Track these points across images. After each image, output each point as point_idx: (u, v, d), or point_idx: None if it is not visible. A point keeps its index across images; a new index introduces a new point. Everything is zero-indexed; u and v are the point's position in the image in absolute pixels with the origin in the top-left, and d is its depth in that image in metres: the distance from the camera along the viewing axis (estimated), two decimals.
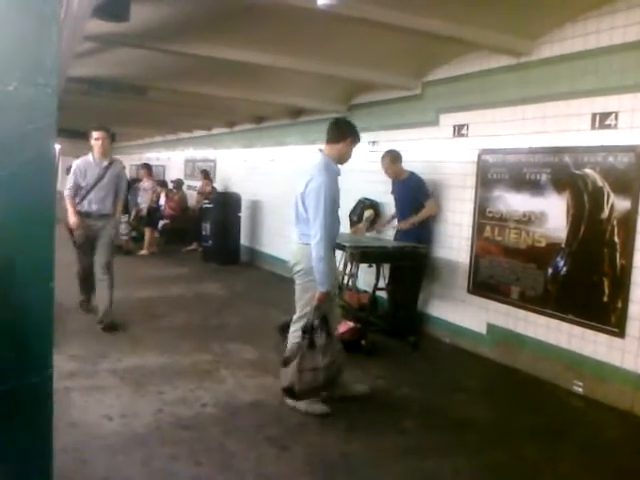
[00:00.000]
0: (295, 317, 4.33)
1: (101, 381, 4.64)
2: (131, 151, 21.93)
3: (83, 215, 6.07)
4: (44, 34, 1.54)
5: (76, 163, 6.18)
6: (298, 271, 4.24)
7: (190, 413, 4.14)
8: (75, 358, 5.04)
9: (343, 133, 4.25)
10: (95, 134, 6.07)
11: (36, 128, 1.51)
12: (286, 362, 4.11)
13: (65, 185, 6.14)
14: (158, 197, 13.06)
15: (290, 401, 4.23)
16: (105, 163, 6.17)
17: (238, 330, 6.35)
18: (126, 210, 11.74)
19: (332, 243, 4.16)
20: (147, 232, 11.77)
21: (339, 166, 4.30)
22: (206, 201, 11.60)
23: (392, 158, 6.24)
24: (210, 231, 11.14)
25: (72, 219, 6.05)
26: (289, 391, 4.09)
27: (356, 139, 4.30)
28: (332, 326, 4.21)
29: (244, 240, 11.27)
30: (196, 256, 11.53)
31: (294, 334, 4.29)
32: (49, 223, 1.60)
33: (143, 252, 11.50)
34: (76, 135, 17.32)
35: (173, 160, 17.24)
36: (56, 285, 1.60)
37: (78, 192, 6.09)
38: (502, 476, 3.56)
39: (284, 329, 5.94)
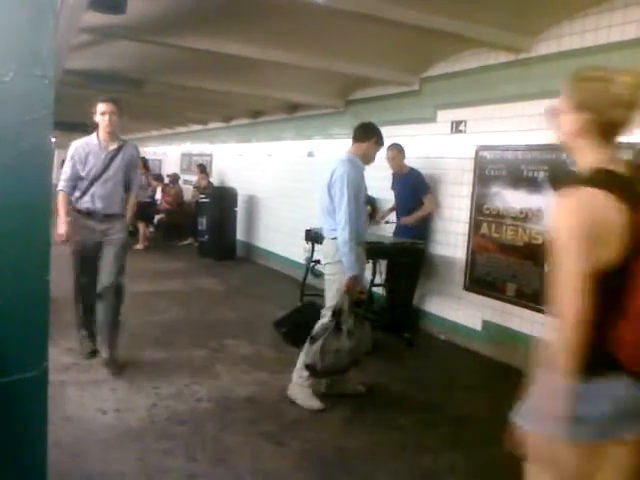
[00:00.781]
0: (324, 310, 4.33)
1: (96, 375, 4.63)
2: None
3: (83, 215, 4.75)
4: (41, 25, 1.52)
5: (75, 146, 4.76)
6: (327, 264, 4.33)
7: (185, 408, 4.13)
8: (70, 352, 5.02)
9: (368, 133, 4.41)
10: (101, 107, 4.73)
11: (33, 119, 1.49)
12: (312, 340, 4.17)
13: (60, 177, 4.80)
14: (154, 191, 13.03)
15: (291, 393, 4.30)
16: (113, 147, 4.79)
17: (234, 325, 6.34)
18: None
19: (359, 237, 4.21)
20: (141, 227, 11.73)
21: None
22: (202, 196, 11.57)
23: (400, 150, 6.22)
24: (206, 226, 11.11)
25: (61, 227, 4.63)
26: (311, 368, 4.16)
27: (380, 141, 4.46)
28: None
29: (240, 235, 11.24)
30: (192, 251, 11.51)
31: (322, 320, 4.31)
32: (45, 215, 1.58)
33: (138, 246, 11.47)
34: (72, 128, 17.30)
35: (169, 154, 17.19)
36: (51, 278, 1.59)
37: (78, 185, 4.74)
38: (499, 473, 3.55)
39: (280, 324, 5.95)
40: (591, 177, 1.76)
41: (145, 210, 11.98)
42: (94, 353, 4.91)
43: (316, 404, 4.19)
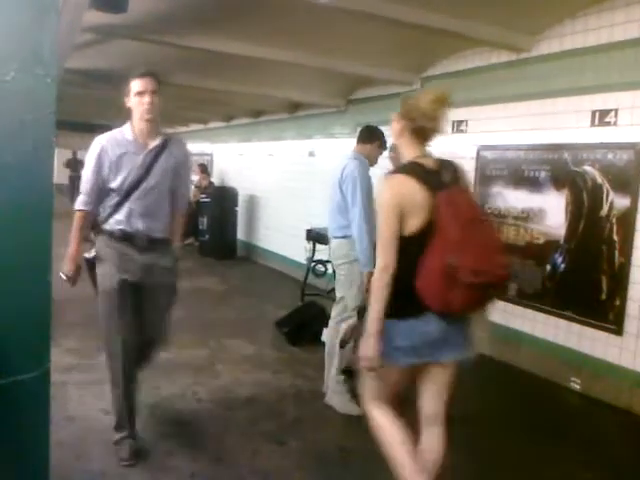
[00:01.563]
0: (350, 309, 4.28)
1: (98, 375, 4.60)
2: None
3: (116, 240, 3.30)
4: (43, 24, 1.51)
5: (100, 144, 3.31)
6: (341, 264, 4.30)
7: (186, 408, 4.13)
8: (72, 352, 5.02)
9: (373, 136, 4.46)
10: (138, 84, 3.34)
11: (35, 118, 1.49)
12: (342, 344, 4.17)
13: (81, 186, 3.35)
14: None
15: (329, 400, 4.29)
16: (155, 143, 3.38)
17: (234, 325, 6.33)
18: None
19: (370, 235, 4.17)
20: None
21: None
22: (203, 195, 11.56)
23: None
24: (207, 225, 11.12)
25: (69, 263, 3.31)
26: (346, 371, 4.15)
27: (383, 145, 4.50)
28: None
29: (241, 234, 11.24)
30: (193, 250, 11.50)
31: (348, 322, 4.29)
32: (47, 215, 1.58)
33: None
34: (72, 127, 17.27)
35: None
36: (53, 278, 1.59)
37: (104, 201, 3.32)
38: (500, 473, 3.55)
39: (281, 324, 5.95)
40: (404, 167, 2.52)
41: None
42: (139, 452, 3.37)
43: (356, 409, 4.17)
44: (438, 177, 2.47)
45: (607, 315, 4.59)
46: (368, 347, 2.40)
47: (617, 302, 4.52)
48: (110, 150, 3.29)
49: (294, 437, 3.77)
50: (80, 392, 4.26)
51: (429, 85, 6.62)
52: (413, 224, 2.37)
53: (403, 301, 2.37)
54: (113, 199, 3.31)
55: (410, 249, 2.35)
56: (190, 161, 3.78)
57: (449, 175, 2.52)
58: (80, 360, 4.89)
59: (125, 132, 3.40)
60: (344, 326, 4.23)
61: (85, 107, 12.31)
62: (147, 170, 3.30)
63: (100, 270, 3.39)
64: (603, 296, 4.62)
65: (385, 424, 2.76)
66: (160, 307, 3.46)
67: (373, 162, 4.45)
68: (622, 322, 4.50)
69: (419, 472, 2.69)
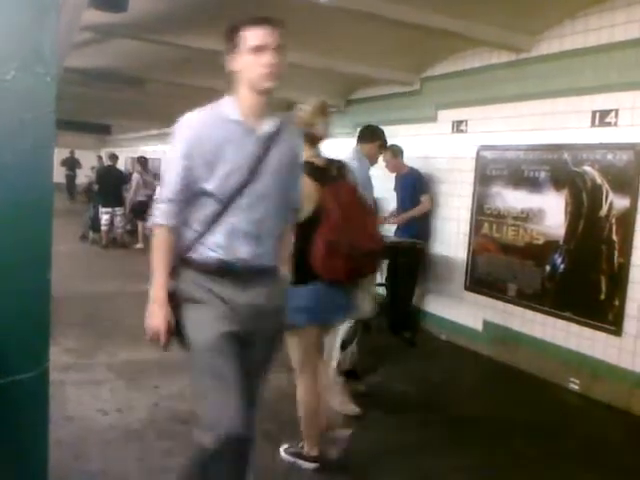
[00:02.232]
0: None
1: (97, 375, 4.62)
2: (127, 144, 21.86)
3: (210, 274, 2.22)
4: (43, 23, 1.51)
5: (190, 124, 2.29)
6: None
7: (186, 407, 4.11)
8: (70, 351, 5.01)
9: (374, 136, 4.51)
10: (255, 35, 2.26)
11: (35, 117, 1.49)
12: (344, 346, 4.17)
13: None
14: (154, 190, 13.00)
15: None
16: (269, 127, 2.27)
17: None
18: (122, 202, 11.70)
19: None
20: (140, 225, 11.73)
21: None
22: None
23: (393, 152, 6.18)
24: None
25: (157, 312, 2.24)
26: (351, 373, 4.20)
27: (384, 144, 4.56)
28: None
29: None
30: None
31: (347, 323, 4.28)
32: (47, 214, 1.57)
33: (139, 245, 11.45)
34: (70, 126, 17.27)
35: (169, 153, 17.18)
36: (52, 277, 1.58)
37: (191, 213, 2.24)
38: (499, 473, 3.55)
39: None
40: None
41: (144, 208, 11.99)
42: None
43: (353, 409, 4.16)
44: (326, 173, 3.09)
45: (606, 315, 4.59)
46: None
47: (616, 302, 4.52)
48: (207, 133, 2.23)
49: (292, 437, 3.76)
50: (79, 391, 4.24)
51: (429, 85, 6.63)
52: (306, 210, 2.87)
53: (301, 272, 2.87)
54: (206, 209, 2.21)
55: (304, 231, 2.85)
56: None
57: (335, 171, 3.15)
58: (78, 359, 4.88)
59: (227, 108, 2.28)
60: (345, 327, 4.22)
61: (82, 106, 12.30)
62: (259, 161, 2.22)
63: (191, 316, 2.27)
64: (602, 296, 4.62)
65: (306, 392, 3.28)
66: (264, 367, 2.59)
67: (373, 161, 4.47)
68: (621, 322, 4.50)
69: (318, 436, 3.36)
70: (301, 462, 3.39)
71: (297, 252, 2.77)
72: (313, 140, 3.05)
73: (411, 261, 6.00)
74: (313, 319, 3.09)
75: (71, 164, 23.20)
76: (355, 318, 3.47)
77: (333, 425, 3.41)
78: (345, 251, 2.95)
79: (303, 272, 2.92)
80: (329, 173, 3.11)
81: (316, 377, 3.27)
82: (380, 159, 5.61)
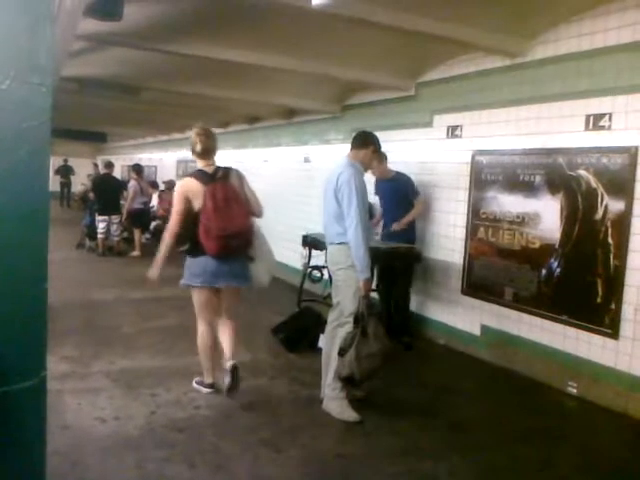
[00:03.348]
0: (345, 315, 4.26)
1: (94, 383, 4.61)
2: (123, 151, 21.88)
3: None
4: (38, 32, 1.51)
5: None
6: (338, 270, 4.31)
7: (184, 415, 4.12)
8: (67, 360, 5.01)
9: (366, 141, 4.44)
10: None
11: (30, 127, 1.49)
12: (342, 353, 4.16)
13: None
14: (150, 198, 13.02)
15: (326, 407, 4.28)
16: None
17: None
18: (119, 210, 11.71)
19: (366, 243, 4.18)
20: (136, 233, 11.73)
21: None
22: None
23: (379, 158, 6.16)
24: None
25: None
26: (349, 379, 4.16)
27: (378, 149, 4.51)
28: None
29: None
30: None
31: (345, 329, 4.26)
32: (43, 223, 1.57)
33: (135, 253, 11.44)
34: (64, 134, 17.29)
35: (165, 161, 17.19)
36: (49, 286, 1.58)
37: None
38: (497, 477, 3.55)
39: (278, 331, 5.94)
40: (192, 173, 4.34)
41: (141, 217, 11.99)
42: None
43: (353, 415, 4.16)
44: (211, 177, 4.26)
45: (603, 319, 4.60)
46: (154, 267, 4.31)
47: (612, 306, 4.53)
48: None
49: (292, 444, 3.76)
50: (76, 400, 4.24)
51: (424, 90, 6.65)
52: (197, 204, 4.16)
53: (193, 247, 4.22)
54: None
55: (195, 218, 4.14)
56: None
57: (220, 175, 4.30)
58: (76, 368, 4.87)
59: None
60: (342, 334, 4.22)
61: (78, 114, 12.31)
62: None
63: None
64: (598, 300, 4.63)
65: (201, 333, 4.51)
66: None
67: (368, 167, 4.46)
68: (618, 326, 4.51)
69: (213, 369, 4.53)
70: (202, 388, 4.54)
71: (191, 234, 4.16)
72: (199, 154, 4.38)
73: (408, 266, 6.01)
74: (202, 282, 4.28)
75: (65, 172, 23.25)
76: (241, 285, 4.43)
77: (224, 361, 4.40)
78: (215, 234, 4.06)
79: (195, 248, 4.20)
80: (214, 177, 4.27)
81: (210, 324, 4.48)
82: None
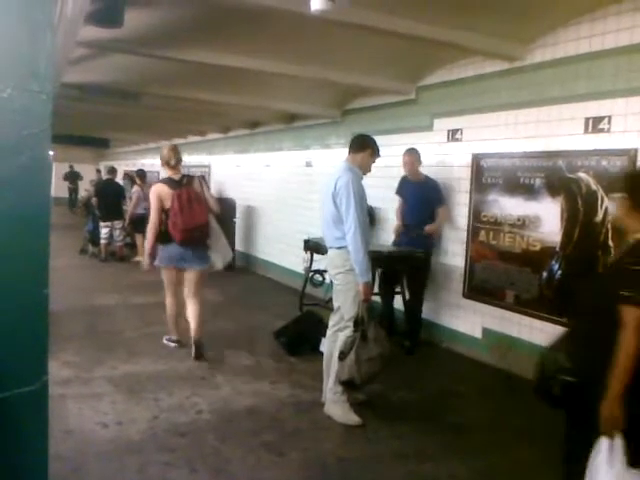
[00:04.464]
0: (346, 319, 4.27)
1: (96, 388, 4.62)
2: (125, 157, 21.92)
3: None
4: (38, 40, 1.53)
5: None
6: (337, 274, 4.32)
7: (186, 420, 4.13)
8: (70, 365, 5.02)
9: (364, 144, 4.45)
10: None
11: (31, 134, 1.50)
12: (342, 356, 4.17)
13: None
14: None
15: (327, 411, 4.29)
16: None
17: (233, 336, 6.33)
18: (121, 216, 11.74)
19: (366, 246, 4.18)
20: (139, 239, 11.74)
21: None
22: None
23: (417, 156, 6.10)
24: None
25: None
26: (349, 383, 4.18)
27: (376, 152, 4.49)
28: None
29: (239, 245, 11.25)
30: None
31: (345, 333, 4.26)
32: (44, 229, 1.59)
33: (138, 258, 11.45)
34: (70, 140, 17.33)
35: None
36: (50, 291, 1.60)
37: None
38: (499, 479, 3.56)
39: (280, 334, 5.95)
40: (163, 180, 5.55)
41: (143, 222, 12.00)
42: None
43: (354, 419, 4.17)
44: (178, 183, 5.40)
45: None
46: (145, 256, 5.60)
47: None
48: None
49: (294, 448, 3.77)
50: (79, 405, 4.26)
51: (424, 94, 6.67)
52: (167, 204, 5.29)
53: (164, 237, 5.35)
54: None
55: (167, 216, 5.27)
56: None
57: (185, 182, 5.43)
58: (78, 373, 4.89)
59: None
60: (342, 338, 4.23)
61: (80, 120, 12.36)
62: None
63: None
64: None
65: (168, 303, 5.70)
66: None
67: (366, 171, 4.44)
68: None
69: (178, 329, 5.77)
70: (170, 343, 5.79)
71: (164, 227, 5.33)
72: (169, 166, 5.52)
73: (423, 271, 5.98)
74: (169, 263, 5.47)
75: (72, 177, 23.63)
76: (202, 268, 5.53)
77: (191, 335, 5.51)
78: (180, 227, 5.20)
79: (165, 238, 5.35)
80: (180, 183, 5.41)
81: (175, 296, 5.65)
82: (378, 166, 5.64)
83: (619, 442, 2.28)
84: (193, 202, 5.26)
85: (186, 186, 5.36)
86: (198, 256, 5.44)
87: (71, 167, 23.78)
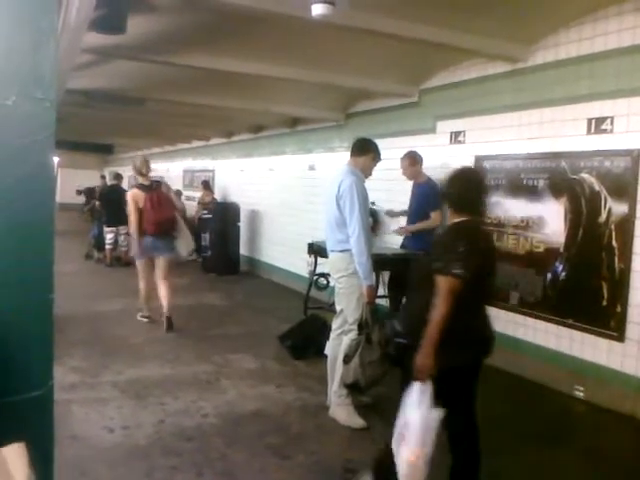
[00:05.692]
0: (350, 323, 4.27)
1: (102, 393, 4.64)
2: (129, 163, 21.95)
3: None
4: (42, 48, 1.55)
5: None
6: (340, 277, 4.31)
7: (192, 424, 4.13)
8: (76, 370, 5.04)
9: (366, 148, 4.44)
10: None
11: (35, 141, 1.52)
12: (346, 360, 4.19)
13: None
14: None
15: (332, 414, 4.29)
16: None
17: (239, 340, 6.34)
18: (126, 221, 11.74)
19: (369, 249, 4.19)
20: None
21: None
22: (204, 211, 11.60)
23: (410, 160, 6.04)
24: (209, 241, 11.14)
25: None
26: (354, 386, 4.21)
27: (377, 156, 4.48)
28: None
29: (243, 249, 11.27)
30: (195, 266, 11.52)
31: (349, 336, 4.27)
32: (48, 235, 1.60)
33: None
34: (74, 147, 17.38)
35: (172, 171, 17.26)
36: (55, 296, 1.61)
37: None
38: None
39: (284, 338, 5.96)
40: (137, 185, 6.84)
41: None
42: None
43: (359, 422, 4.17)
44: (148, 188, 6.61)
45: (608, 322, 4.60)
46: (134, 246, 6.79)
47: (618, 309, 4.53)
48: None
49: (299, 451, 3.77)
50: (85, 410, 4.27)
51: (427, 97, 6.68)
52: (140, 204, 6.44)
53: (140, 230, 6.47)
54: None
55: (140, 214, 6.43)
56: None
57: (154, 187, 6.71)
58: (84, 378, 4.90)
59: None
60: (347, 341, 4.23)
61: (84, 126, 12.43)
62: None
63: None
64: (604, 303, 4.63)
65: (141, 286, 6.87)
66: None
67: (368, 174, 4.44)
68: (623, 328, 4.50)
69: (149, 308, 6.93)
70: (143, 319, 6.91)
71: (139, 222, 6.50)
72: (141, 174, 6.73)
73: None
74: (145, 254, 6.69)
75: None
76: (175, 258, 7.00)
77: (163, 311, 6.66)
78: (152, 221, 6.45)
79: (140, 232, 6.51)
80: (150, 188, 6.68)
81: (147, 280, 6.83)
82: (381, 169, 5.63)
83: (428, 387, 2.77)
84: (161, 202, 6.64)
85: (155, 190, 6.74)
86: (167, 245, 6.70)
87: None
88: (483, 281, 2.91)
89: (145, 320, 6.91)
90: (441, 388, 2.81)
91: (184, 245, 6.89)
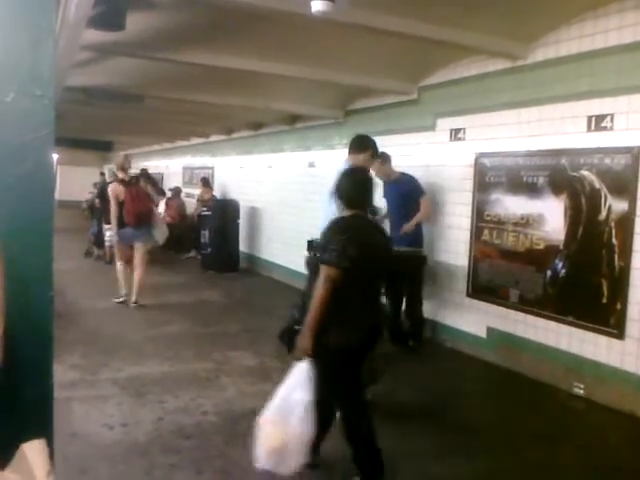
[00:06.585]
0: None
1: (102, 390, 4.64)
2: (130, 160, 21.94)
3: None
4: (40, 46, 1.54)
5: None
6: None
7: (191, 421, 4.13)
8: (75, 367, 5.04)
9: (364, 145, 4.44)
10: None
11: (34, 138, 1.52)
12: None
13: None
14: (157, 205, 13.04)
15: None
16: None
17: (238, 337, 6.34)
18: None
19: None
20: None
21: None
22: (204, 208, 11.60)
23: (381, 159, 6.06)
24: (209, 238, 11.13)
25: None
26: None
27: (375, 154, 4.51)
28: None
29: (243, 247, 11.27)
30: (195, 263, 11.53)
31: None
32: (48, 232, 1.60)
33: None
34: (73, 144, 17.36)
35: (171, 168, 17.26)
36: (57, 293, 1.61)
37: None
38: (503, 478, 3.55)
39: (284, 335, 5.94)
40: (117, 180, 7.97)
41: None
42: None
43: None
44: (128, 183, 7.74)
45: (608, 319, 4.60)
46: (114, 233, 7.80)
47: (618, 306, 4.53)
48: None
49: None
50: (85, 407, 4.27)
51: (427, 94, 6.67)
52: (121, 198, 7.51)
53: (121, 221, 7.50)
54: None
55: (121, 206, 7.48)
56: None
57: (133, 182, 7.83)
58: (84, 375, 4.90)
59: None
60: None
61: (84, 123, 12.40)
62: None
63: None
64: (604, 300, 4.63)
65: (119, 270, 7.67)
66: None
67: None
68: (623, 326, 4.50)
69: (127, 286, 7.66)
70: (117, 299, 7.62)
71: (120, 214, 7.42)
72: (122, 170, 7.80)
73: (416, 270, 5.96)
74: (125, 242, 7.58)
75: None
76: (147, 243, 7.78)
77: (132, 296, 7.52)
78: (131, 212, 7.31)
79: (122, 222, 7.39)
80: (130, 183, 7.64)
81: (125, 265, 7.63)
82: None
83: (307, 365, 3.04)
84: (140, 195, 7.61)
85: (134, 184, 7.78)
86: (145, 234, 7.61)
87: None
88: (367, 271, 3.21)
89: (118, 301, 7.64)
90: (324, 369, 3.08)
91: (160, 233, 7.87)
